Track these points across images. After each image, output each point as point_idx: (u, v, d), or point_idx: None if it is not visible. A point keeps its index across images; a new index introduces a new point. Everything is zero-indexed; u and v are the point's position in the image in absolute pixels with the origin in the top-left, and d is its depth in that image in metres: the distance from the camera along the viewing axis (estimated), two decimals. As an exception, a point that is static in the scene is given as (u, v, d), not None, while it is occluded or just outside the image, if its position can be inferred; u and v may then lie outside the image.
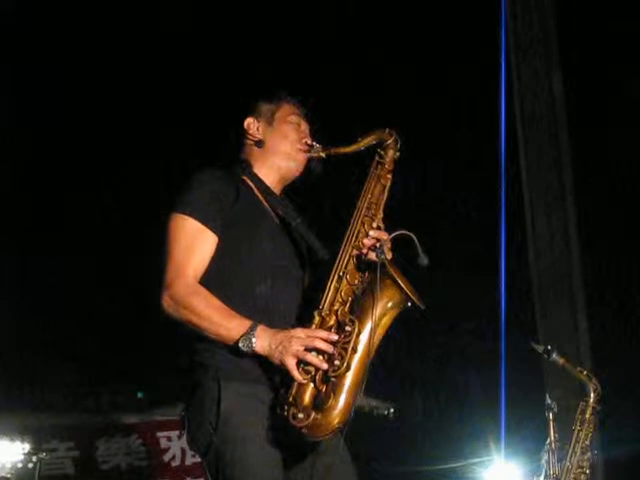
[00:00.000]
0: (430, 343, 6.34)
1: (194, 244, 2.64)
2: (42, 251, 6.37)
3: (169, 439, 6.50)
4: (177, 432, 6.39)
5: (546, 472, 4.02)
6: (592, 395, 4.10)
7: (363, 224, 2.67)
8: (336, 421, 2.45)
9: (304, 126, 2.90)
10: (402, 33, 6.56)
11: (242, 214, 2.70)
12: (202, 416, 2.58)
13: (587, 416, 4.09)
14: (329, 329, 2.54)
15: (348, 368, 2.46)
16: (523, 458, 5.41)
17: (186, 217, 2.65)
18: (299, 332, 2.51)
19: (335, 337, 2.50)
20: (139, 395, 6.71)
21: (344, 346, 2.48)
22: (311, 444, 2.57)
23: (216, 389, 2.57)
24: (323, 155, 2.79)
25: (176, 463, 6.49)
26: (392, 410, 6.41)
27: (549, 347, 4.08)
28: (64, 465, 6.41)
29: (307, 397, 2.47)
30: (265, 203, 2.80)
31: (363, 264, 2.61)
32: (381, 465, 6.14)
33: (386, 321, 2.56)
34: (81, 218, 6.52)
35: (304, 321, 2.59)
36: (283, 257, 2.74)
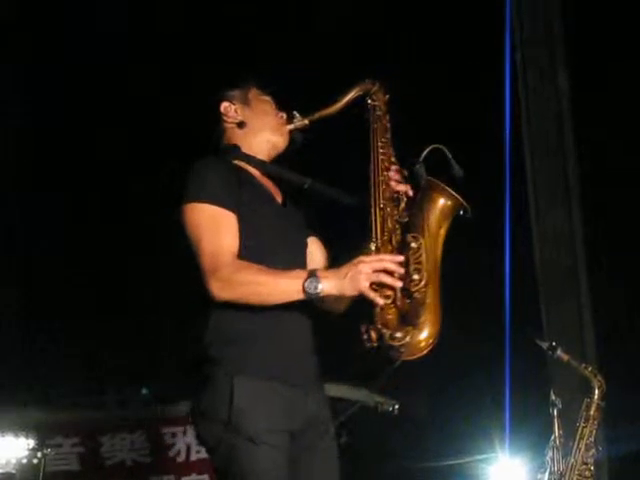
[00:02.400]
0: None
1: (220, 227, 2.55)
2: (44, 248, 6.37)
3: (174, 435, 6.49)
4: (182, 428, 6.39)
5: (551, 468, 4.03)
6: (597, 391, 4.10)
7: (383, 160, 2.62)
8: (431, 335, 2.41)
9: (275, 107, 2.87)
10: (404, 29, 6.54)
11: (247, 197, 2.64)
12: (213, 411, 2.51)
13: (592, 412, 4.09)
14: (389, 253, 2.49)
15: (427, 282, 2.41)
16: (528, 454, 5.41)
17: (202, 204, 2.57)
18: (363, 259, 2.42)
19: (401, 258, 2.43)
20: (144, 391, 6.70)
21: (417, 260, 2.42)
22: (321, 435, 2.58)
23: (228, 384, 2.49)
24: (306, 122, 2.73)
25: (181, 459, 6.48)
26: (397, 406, 6.40)
27: (554, 343, 4.08)
28: (69, 461, 6.42)
29: (395, 319, 2.39)
30: (264, 184, 2.76)
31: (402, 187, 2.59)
32: (386, 462, 6.14)
33: (443, 232, 2.54)
34: (82, 216, 6.51)
35: None
36: (289, 235, 2.71)
